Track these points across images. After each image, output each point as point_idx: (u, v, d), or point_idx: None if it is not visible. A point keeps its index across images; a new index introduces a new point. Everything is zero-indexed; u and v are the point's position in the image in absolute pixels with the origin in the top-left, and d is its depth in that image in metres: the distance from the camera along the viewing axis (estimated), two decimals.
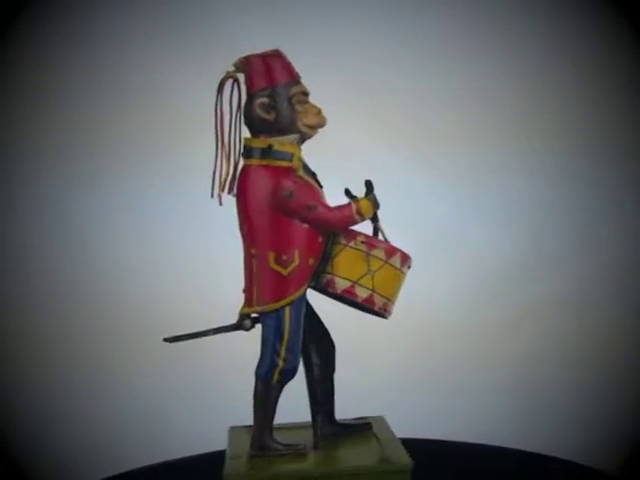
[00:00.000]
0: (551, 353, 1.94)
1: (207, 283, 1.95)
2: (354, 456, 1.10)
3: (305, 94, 1.13)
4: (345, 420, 1.20)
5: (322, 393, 1.17)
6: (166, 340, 1.13)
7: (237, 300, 1.12)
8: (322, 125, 1.13)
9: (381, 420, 1.22)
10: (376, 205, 1.14)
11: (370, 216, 1.13)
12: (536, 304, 2.09)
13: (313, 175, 1.14)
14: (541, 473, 1.37)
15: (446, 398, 1.75)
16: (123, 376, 1.91)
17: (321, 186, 1.14)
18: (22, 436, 1.71)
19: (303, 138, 1.13)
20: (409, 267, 1.13)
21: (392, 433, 1.16)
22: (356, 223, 1.13)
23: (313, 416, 1.17)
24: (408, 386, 1.66)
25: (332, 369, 1.18)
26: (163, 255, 2.10)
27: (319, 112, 1.13)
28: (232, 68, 1.13)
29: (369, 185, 1.14)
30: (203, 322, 1.13)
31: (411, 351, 1.77)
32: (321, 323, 1.18)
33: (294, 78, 1.13)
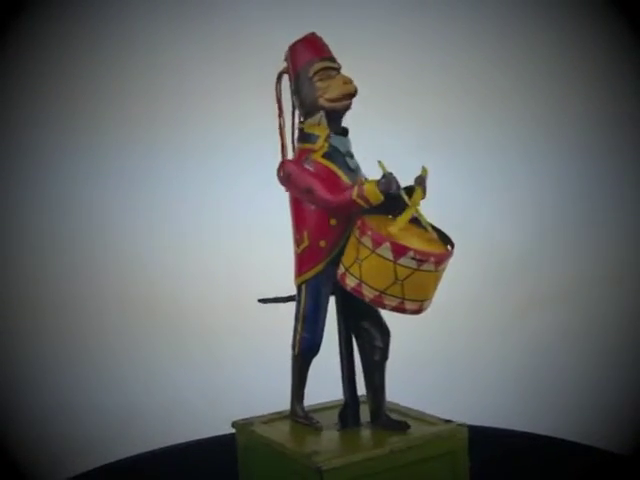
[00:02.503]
0: (557, 340, 1.95)
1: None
2: (322, 442, 1.08)
3: (329, 69, 1.09)
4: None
5: (376, 378, 1.14)
6: (259, 301, 1.18)
7: None
8: (349, 94, 1.08)
9: (443, 426, 1.11)
10: (386, 188, 1.04)
11: (378, 201, 1.04)
12: (542, 292, 2.10)
13: (342, 156, 1.09)
14: (548, 454, 1.37)
15: (452, 383, 1.76)
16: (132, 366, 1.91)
17: (352, 169, 1.10)
18: (26, 428, 1.70)
19: (336, 114, 1.09)
20: (417, 260, 1.01)
21: (418, 440, 1.07)
22: (362, 207, 1.05)
23: (345, 397, 1.15)
24: (413, 370, 1.66)
25: (383, 356, 1.13)
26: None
27: (345, 82, 1.08)
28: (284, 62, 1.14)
29: (380, 166, 1.07)
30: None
31: (417, 337, 1.77)
32: (373, 309, 1.12)
33: (315, 56, 1.10)
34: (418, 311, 1.06)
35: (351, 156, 1.11)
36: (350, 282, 1.05)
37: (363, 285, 1.04)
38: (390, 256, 1.01)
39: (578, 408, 1.65)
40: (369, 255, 1.02)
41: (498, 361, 1.86)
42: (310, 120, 1.10)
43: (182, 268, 2.14)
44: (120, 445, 1.52)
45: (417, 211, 1.07)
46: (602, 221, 2.18)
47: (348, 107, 1.10)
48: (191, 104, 2.16)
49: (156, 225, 2.18)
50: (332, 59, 1.11)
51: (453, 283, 1.90)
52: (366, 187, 1.05)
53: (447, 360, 1.88)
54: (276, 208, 1.16)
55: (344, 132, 1.12)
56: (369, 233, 1.02)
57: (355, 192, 1.05)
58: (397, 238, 1.03)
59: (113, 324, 2.06)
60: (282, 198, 1.14)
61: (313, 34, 1.13)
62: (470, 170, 2.15)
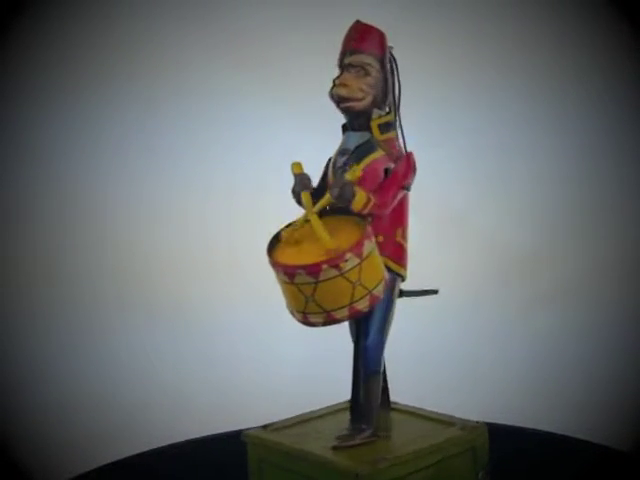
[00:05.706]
0: (560, 338, 1.94)
1: None
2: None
3: (343, 66, 1.03)
4: None
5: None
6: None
7: None
8: (333, 97, 1.02)
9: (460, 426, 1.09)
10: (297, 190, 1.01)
11: (299, 204, 1.02)
12: (546, 290, 2.10)
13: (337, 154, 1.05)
14: (555, 453, 1.37)
15: (459, 377, 1.75)
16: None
17: (337, 167, 1.03)
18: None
19: (352, 113, 1.03)
20: (273, 268, 0.98)
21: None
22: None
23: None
24: (417, 369, 1.66)
25: (364, 366, 1.05)
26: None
27: (335, 84, 1.02)
28: None
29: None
30: None
31: (425, 329, 1.77)
32: (369, 319, 1.05)
33: (343, 50, 1.04)
34: (303, 322, 1.00)
35: (342, 153, 1.04)
36: None
37: None
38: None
39: (582, 405, 1.65)
40: None
41: (501, 359, 1.86)
42: None
43: (184, 263, 2.14)
44: (122, 444, 1.52)
45: (310, 217, 0.99)
46: (605, 219, 2.18)
47: (343, 108, 1.03)
48: (190, 98, 2.16)
49: (157, 223, 2.17)
50: (346, 54, 1.03)
51: (456, 280, 1.92)
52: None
53: (451, 358, 1.87)
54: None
55: (360, 127, 1.04)
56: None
57: None
58: (278, 250, 0.99)
59: (114, 321, 2.06)
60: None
61: (357, 22, 1.06)
62: (472, 168, 2.15)
